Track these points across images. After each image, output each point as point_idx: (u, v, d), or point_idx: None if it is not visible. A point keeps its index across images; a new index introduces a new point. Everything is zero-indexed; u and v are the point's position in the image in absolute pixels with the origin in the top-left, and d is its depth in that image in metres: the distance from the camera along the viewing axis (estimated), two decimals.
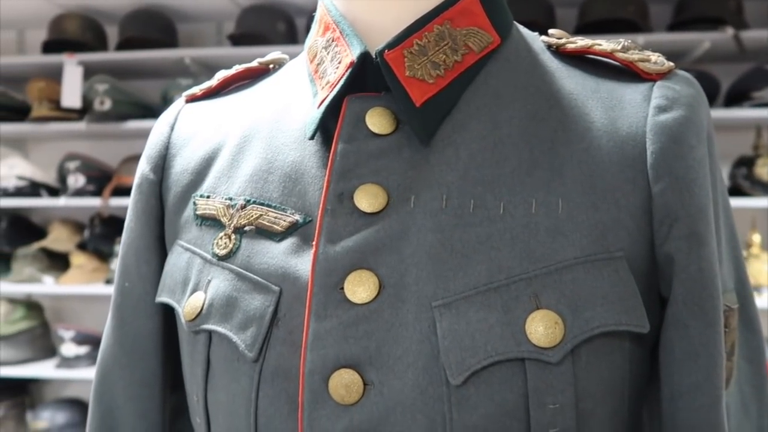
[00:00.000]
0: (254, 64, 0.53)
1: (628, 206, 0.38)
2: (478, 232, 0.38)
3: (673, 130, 0.39)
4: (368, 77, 0.42)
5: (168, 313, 0.49)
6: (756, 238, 1.88)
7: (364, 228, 0.39)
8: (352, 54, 0.41)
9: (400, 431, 0.36)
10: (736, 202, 1.74)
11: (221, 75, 0.53)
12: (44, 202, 2.07)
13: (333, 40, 0.44)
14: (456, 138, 0.41)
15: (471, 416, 0.36)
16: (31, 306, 2.21)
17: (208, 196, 0.45)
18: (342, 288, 0.38)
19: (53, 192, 2.15)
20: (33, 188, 2.13)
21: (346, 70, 0.41)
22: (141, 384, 0.49)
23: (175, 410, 0.53)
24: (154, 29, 2.09)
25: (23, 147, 2.38)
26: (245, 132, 0.47)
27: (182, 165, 0.48)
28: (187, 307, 0.43)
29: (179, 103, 0.53)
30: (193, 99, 0.53)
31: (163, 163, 0.49)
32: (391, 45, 0.41)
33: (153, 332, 0.49)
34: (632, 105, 0.41)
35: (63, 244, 2.17)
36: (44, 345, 2.20)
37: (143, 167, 0.50)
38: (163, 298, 0.46)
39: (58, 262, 2.18)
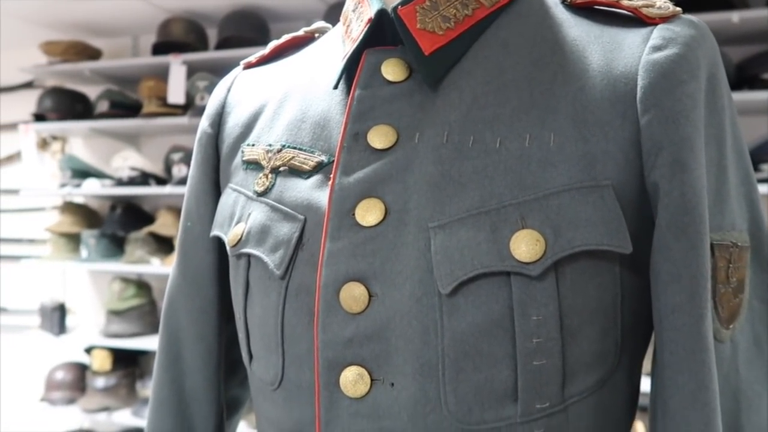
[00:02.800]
0: (300, 33, 0.59)
1: (617, 138, 0.41)
2: (475, 164, 0.42)
3: (664, 66, 0.41)
4: (387, 32, 0.47)
5: (223, 250, 0.57)
6: None
7: (374, 162, 0.44)
8: (371, 11, 0.46)
9: (398, 335, 0.41)
10: None
11: (273, 44, 0.60)
12: (152, 190, 2.27)
13: (359, 3, 0.49)
14: (462, 83, 0.45)
15: (460, 323, 0.40)
16: (141, 285, 2.43)
17: (253, 145, 0.52)
18: (353, 214, 0.43)
19: (161, 181, 2.36)
20: (143, 178, 2.34)
21: (366, 26, 0.46)
22: (200, 310, 0.57)
23: (230, 339, 0.61)
24: (249, 29, 2.25)
25: (136, 141, 2.62)
26: (287, 90, 0.53)
27: (234, 120, 0.55)
28: (231, 235, 0.50)
29: (237, 69, 0.60)
30: (249, 66, 0.60)
31: (219, 120, 0.57)
32: (405, 1, 0.45)
33: (210, 265, 0.56)
34: (630, 47, 0.43)
35: (169, 229, 2.37)
36: (152, 320, 2.41)
37: (203, 124, 0.57)
38: (215, 232, 0.53)
39: (165, 246, 2.39)
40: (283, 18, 2.39)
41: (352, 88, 0.46)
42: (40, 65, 2.40)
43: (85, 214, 2.56)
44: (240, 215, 0.50)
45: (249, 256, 0.48)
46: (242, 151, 0.53)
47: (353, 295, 0.42)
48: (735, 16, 1.68)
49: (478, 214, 0.40)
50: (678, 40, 0.42)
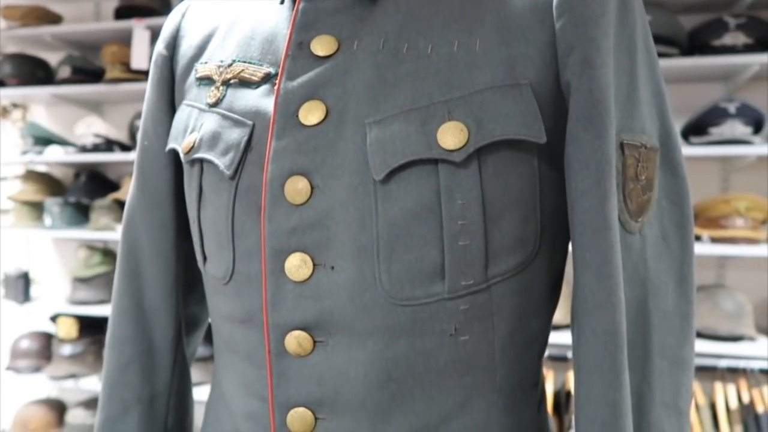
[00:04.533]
0: None
1: (535, 43, 0.45)
2: (408, 68, 0.46)
3: None
4: None
5: (179, 168, 0.60)
6: None
7: (317, 67, 0.47)
8: None
9: (337, 222, 0.45)
10: None
11: None
12: (117, 157, 2.26)
13: None
14: None
15: (393, 208, 0.44)
16: (107, 252, 2.43)
17: (206, 62, 0.55)
18: (297, 115, 0.47)
19: (125, 148, 2.35)
20: (108, 145, 2.33)
21: None
22: (158, 226, 0.60)
23: (188, 258, 0.64)
24: None
25: (99, 109, 2.60)
26: (238, 13, 0.56)
27: (188, 43, 0.58)
28: (184, 144, 0.53)
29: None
30: None
31: (174, 43, 0.59)
32: None
33: (167, 182, 0.60)
34: None
35: None
36: None
37: (158, 47, 0.60)
38: (170, 145, 0.56)
39: None
40: None
41: (297, 2, 0.49)
42: None
43: (48, 182, 2.53)
44: (193, 126, 0.53)
45: (201, 161, 0.52)
46: (195, 70, 0.56)
47: (296, 188, 0.46)
48: None
49: (409, 111, 0.44)
50: None
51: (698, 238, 1.85)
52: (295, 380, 0.48)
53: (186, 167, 0.54)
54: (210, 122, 0.52)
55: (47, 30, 2.30)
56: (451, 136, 0.43)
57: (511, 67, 0.45)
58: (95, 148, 2.31)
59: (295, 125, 0.47)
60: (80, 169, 2.46)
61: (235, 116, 0.50)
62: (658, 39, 1.81)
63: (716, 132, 1.80)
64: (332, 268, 0.46)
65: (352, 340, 0.46)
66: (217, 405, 0.57)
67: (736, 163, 1.91)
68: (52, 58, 2.47)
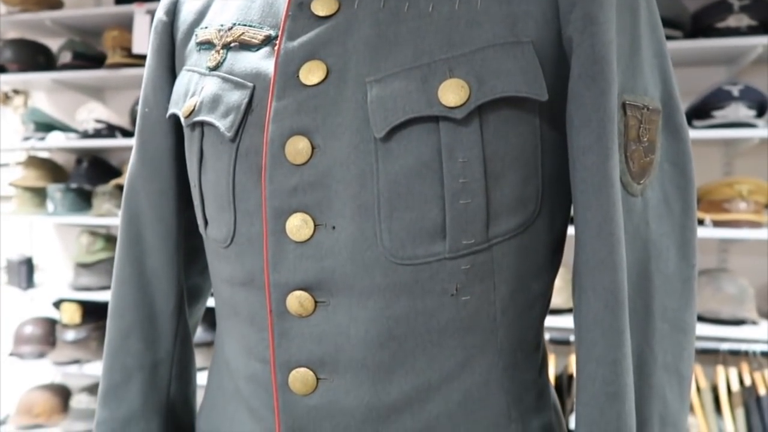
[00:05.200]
0: None
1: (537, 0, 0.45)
2: (409, 26, 0.45)
3: None
4: None
5: (180, 134, 0.60)
6: None
7: (317, 27, 0.47)
8: None
9: (338, 181, 0.45)
10: None
11: None
12: (119, 142, 2.26)
13: None
14: None
15: (393, 166, 0.44)
16: (110, 238, 2.43)
17: (206, 27, 0.55)
18: (297, 75, 0.47)
19: (127, 134, 2.34)
20: (109, 130, 2.32)
21: None
22: (159, 193, 0.60)
23: (189, 227, 0.64)
24: None
25: (101, 95, 2.59)
26: None
27: (188, 8, 0.58)
28: (185, 107, 0.53)
29: None
30: None
31: (174, 9, 0.59)
32: None
33: (168, 149, 0.59)
34: None
35: None
36: None
37: (159, 14, 0.60)
38: (171, 110, 0.56)
39: None
40: None
41: None
42: None
43: (50, 168, 2.53)
44: (194, 90, 0.53)
45: (202, 124, 0.52)
46: (196, 35, 0.56)
47: (297, 148, 0.46)
48: None
49: (410, 69, 0.44)
50: None
51: (701, 222, 1.85)
52: (296, 340, 0.48)
53: (186, 131, 0.54)
54: (210, 85, 0.51)
55: (47, 15, 2.30)
56: (452, 93, 0.43)
57: (512, 24, 0.44)
58: (97, 134, 2.31)
59: (296, 85, 0.46)
60: (82, 155, 2.46)
61: (236, 79, 0.50)
62: (662, 22, 1.80)
63: (720, 115, 1.79)
64: (333, 227, 0.46)
65: (353, 299, 0.46)
66: (219, 370, 0.58)
67: (740, 146, 1.90)
68: (53, 43, 2.47)
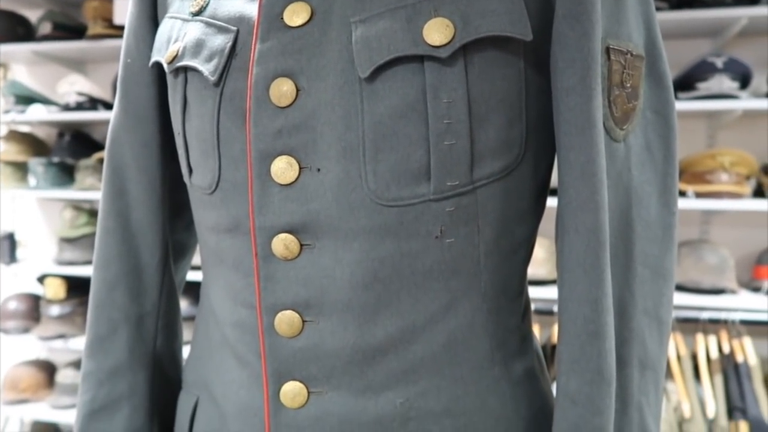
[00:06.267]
0: None
1: None
2: None
3: None
4: None
5: (163, 84, 0.59)
6: None
7: None
8: None
9: (323, 123, 0.45)
10: None
11: None
12: (101, 115, 2.23)
13: None
14: None
15: (378, 107, 0.44)
16: (93, 213, 2.41)
17: None
18: (282, 17, 0.46)
19: (109, 107, 2.31)
20: (92, 103, 2.29)
21: None
22: (143, 144, 0.60)
23: (174, 181, 0.63)
24: None
25: (82, 67, 2.55)
26: None
27: None
28: (167, 54, 0.52)
29: None
30: None
31: None
32: None
33: (151, 99, 0.59)
34: None
35: None
36: None
37: None
38: (154, 57, 0.55)
39: None
40: None
41: None
42: None
43: (31, 142, 2.50)
44: (176, 36, 0.53)
45: (185, 70, 0.51)
46: None
47: (282, 90, 0.46)
48: None
49: (395, 9, 0.44)
50: None
51: (683, 194, 1.87)
52: (282, 283, 0.48)
53: (169, 78, 0.54)
54: (193, 31, 0.51)
55: None
56: (436, 32, 0.43)
57: None
58: (79, 107, 2.28)
59: (280, 27, 0.46)
60: (64, 128, 2.43)
61: (219, 23, 0.49)
62: None
63: (704, 87, 1.81)
64: (318, 170, 0.46)
65: (339, 241, 0.46)
66: (205, 320, 0.58)
67: (723, 118, 1.92)
68: (32, 14, 2.41)
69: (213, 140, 0.49)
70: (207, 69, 0.49)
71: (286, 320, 0.48)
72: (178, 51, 0.51)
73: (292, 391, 0.49)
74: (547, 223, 1.90)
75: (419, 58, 0.43)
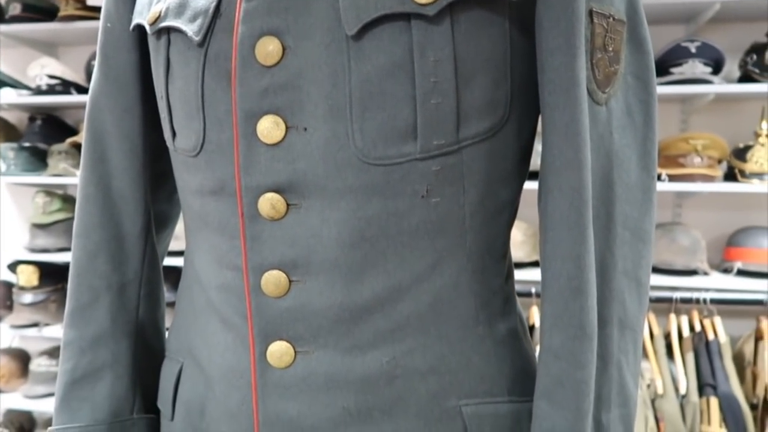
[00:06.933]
0: None
1: None
2: None
3: None
4: None
5: (145, 49, 0.58)
6: (764, 126, 1.89)
7: None
8: None
9: (309, 82, 0.45)
10: (745, 88, 1.77)
11: None
12: (74, 99, 2.18)
13: None
14: None
15: (365, 65, 0.44)
16: (66, 198, 2.37)
17: None
18: None
19: (82, 90, 2.27)
20: (64, 87, 2.24)
21: None
22: (124, 110, 0.59)
23: (156, 151, 0.63)
24: None
25: (54, 50, 2.50)
26: None
27: None
28: (150, 15, 0.52)
29: None
30: None
31: None
32: None
33: (132, 64, 0.58)
34: None
35: None
36: None
37: None
38: (136, 20, 0.55)
39: None
40: None
41: None
42: None
43: (1, 126, 2.44)
44: None
45: (168, 31, 0.51)
46: None
47: (267, 50, 0.45)
48: None
49: None
50: None
51: (658, 177, 1.91)
52: (268, 243, 0.48)
53: (152, 41, 0.53)
54: None
55: None
56: None
57: None
58: (51, 90, 2.23)
59: None
60: (35, 112, 2.38)
61: None
62: None
63: (677, 72, 1.84)
64: (305, 129, 0.46)
65: (325, 201, 0.46)
66: (189, 286, 0.58)
67: (696, 103, 1.95)
68: None
69: (197, 102, 0.49)
70: (191, 29, 0.48)
71: (273, 280, 0.48)
72: (160, 12, 0.51)
73: (278, 351, 0.49)
74: (525, 208, 1.92)
75: (406, 16, 0.44)
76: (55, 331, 2.28)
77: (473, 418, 0.50)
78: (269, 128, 0.46)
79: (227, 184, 0.49)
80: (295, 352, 0.49)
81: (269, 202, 0.47)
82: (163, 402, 0.60)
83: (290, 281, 0.48)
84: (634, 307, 0.52)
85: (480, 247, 0.50)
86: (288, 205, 0.47)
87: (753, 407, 1.75)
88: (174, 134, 0.53)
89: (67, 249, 2.31)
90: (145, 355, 0.63)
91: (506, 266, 0.54)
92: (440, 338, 0.49)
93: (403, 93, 0.44)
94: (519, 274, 1.87)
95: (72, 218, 2.35)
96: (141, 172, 0.60)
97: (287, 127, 0.46)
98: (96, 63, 0.60)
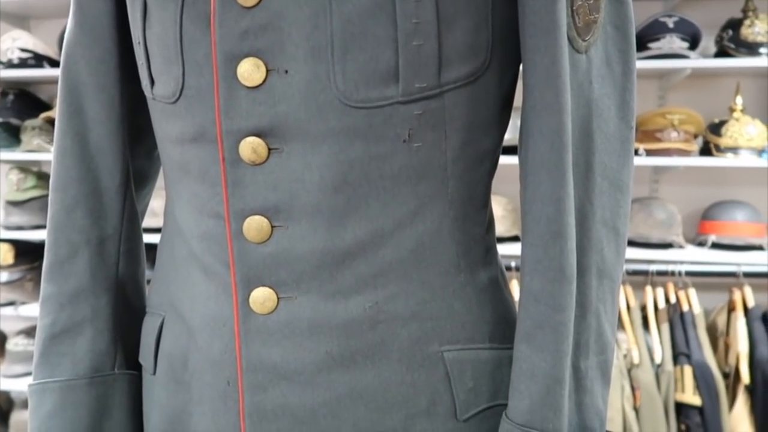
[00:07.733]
0: None
1: None
2: None
3: None
4: None
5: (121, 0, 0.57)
6: (738, 101, 1.92)
7: None
8: None
9: (290, 23, 0.45)
10: (720, 63, 1.79)
11: None
12: (47, 72, 2.13)
13: None
14: None
15: (347, 6, 0.44)
16: (41, 175, 2.32)
17: None
18: None
19: (55, 64, 2.22)
20: (37, 60, 2.19)
21: None
22: (100, 60, 0.58)
23: (134, 105, 0.62)
24: None
25: (25, 23, 2.44)
26: None
27: None
28: None
29: None
30: None
31: None
32: None
33: (107, 14, 0.57)
34: None
35: None
36: None
37: None
38: None
39: None
40: None
41: None
42: None
43: None
44: None
45: None
46: None
47: None
48: None
49: None
50: None
51: (636, 152, 1.93)
52: (250, 188, 0.48)
53: None
54: None
55: None
56: None
57: None
58: (23, 64, 2.18)
59: None
60: (7, 87, 2.32)
61: None
62: None
63: (655, 47, 1.86)
64: (286, 71, 0.45)
65: (307, 144, 0.46)
66: (170, 238, 0.57)
67: (673, 78, 1.97)
68: None
69: (176, 46, 0.48)
70: None
71: (255, 225, 0.48)
72: None
73: (261, 296, 0.49)
74: (502, 183, 1.93)
75: None
76: (32, 310, 2.25)
77: (455, 363, 0.51)
78: (250, 71, 0.45)
79: (207, 130, 0.48)
80: (278, 297, 0.49)
81: (250, 147, 0.47)
82: (145, 356, 0.60)
83: (272, 226, 0.48)
84: (612, 256, 0.53)
85: (461, 194, 0.50)
86: (269, 149, 0.47)
87: (725, 376, 1.80)
88: (152, 81, 0.52)
89: (43, 226, 2.27)
90: (126, 311, 0.62)
91: (487, 217, 0.55)
92: (422, 284, 0.50)
93: (384, 34, 0.44)
94: (499, 249, 1.88)
95: (46, 195, 2.31)
96: (119, 125, 0.59)
97: (268, 70, 0.46)
98: (70, 12, 0.59)
